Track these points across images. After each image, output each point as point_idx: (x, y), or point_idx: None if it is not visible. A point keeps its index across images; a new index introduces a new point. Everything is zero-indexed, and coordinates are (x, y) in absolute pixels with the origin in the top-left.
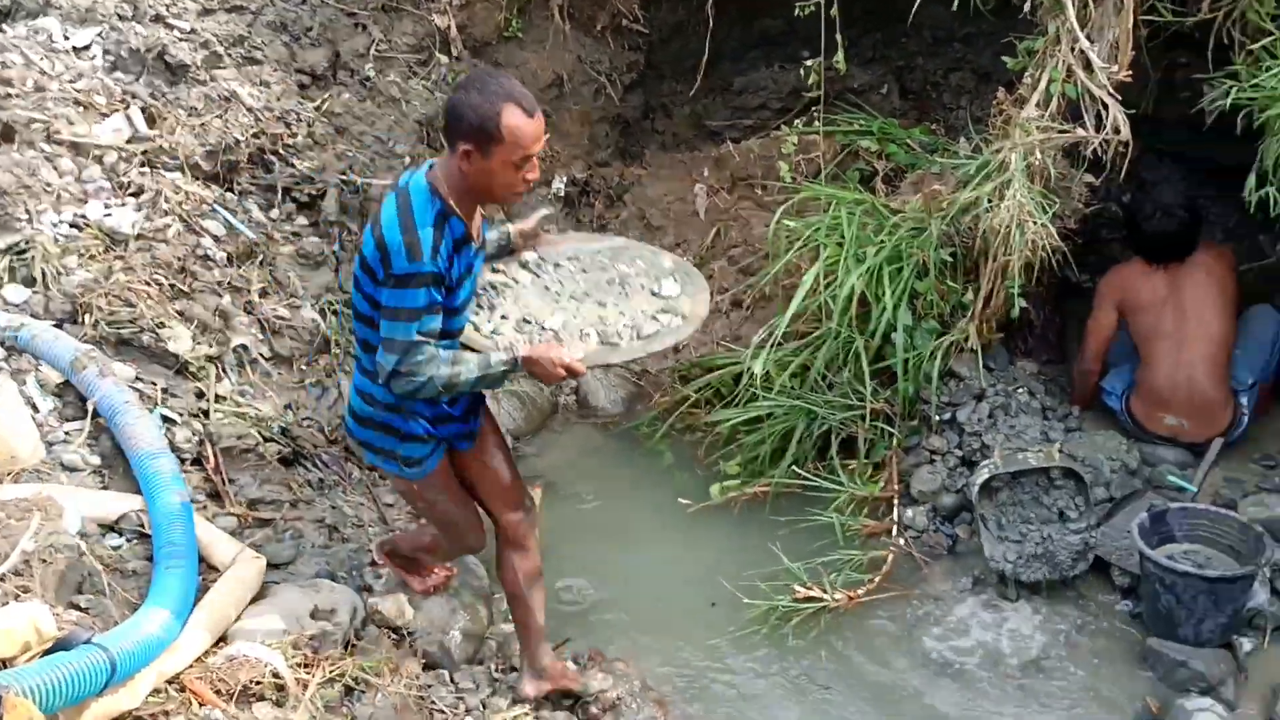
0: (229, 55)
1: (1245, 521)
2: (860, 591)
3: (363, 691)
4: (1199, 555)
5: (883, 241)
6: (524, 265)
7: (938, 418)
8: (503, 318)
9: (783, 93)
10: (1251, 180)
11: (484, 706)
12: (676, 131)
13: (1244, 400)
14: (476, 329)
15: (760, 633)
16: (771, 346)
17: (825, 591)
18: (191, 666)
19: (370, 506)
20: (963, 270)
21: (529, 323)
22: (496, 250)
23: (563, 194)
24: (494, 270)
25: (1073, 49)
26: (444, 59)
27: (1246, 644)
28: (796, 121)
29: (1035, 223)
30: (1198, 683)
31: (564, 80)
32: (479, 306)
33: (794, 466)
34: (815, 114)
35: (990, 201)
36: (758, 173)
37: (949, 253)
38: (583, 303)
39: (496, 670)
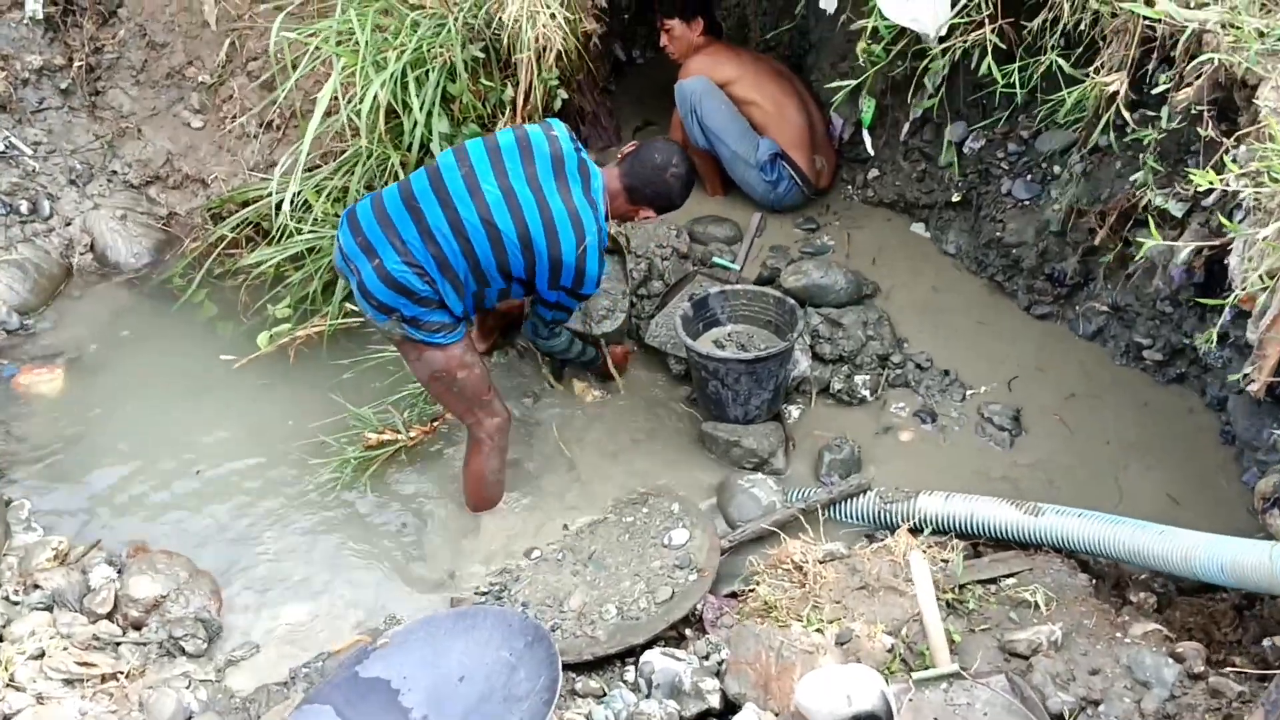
0: None
1: (779, 295)
2: (436, 423)
3: None
4: (743, 335)
5: (403, 44)
6: (539, 554)
7: None
8: (524, 605)
9: None
10: None
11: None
12: None
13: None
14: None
15: (330, 490)
16: (302, 171)
17: (399, 433)
18: None
19: None
20: (498, 66)
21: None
22: None
23: (40, 16)
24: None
25: None
26: None
27: (794, 411)
28: None
29: (545, 13)
30: (750, 459)
31: None
32: (497, 597)
33: (347, 301)
34: None
35: None
36: None
37: (480, 49)
38: (600, 573)
39: (18, 591)
